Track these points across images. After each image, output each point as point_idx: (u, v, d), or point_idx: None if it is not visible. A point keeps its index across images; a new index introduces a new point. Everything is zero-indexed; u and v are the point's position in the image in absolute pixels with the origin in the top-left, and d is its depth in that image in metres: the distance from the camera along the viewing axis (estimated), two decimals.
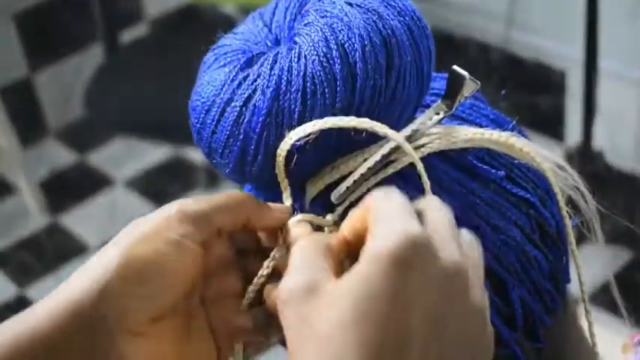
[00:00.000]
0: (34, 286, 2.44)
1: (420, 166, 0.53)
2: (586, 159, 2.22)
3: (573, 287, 0.62)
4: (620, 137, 2.34)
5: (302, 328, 0.44)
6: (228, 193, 0.54)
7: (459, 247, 0.46)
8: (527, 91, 2.50)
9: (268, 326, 0.54)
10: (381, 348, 0.43)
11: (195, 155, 2.63)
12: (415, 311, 0.43)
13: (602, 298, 2.01)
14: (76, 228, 2.60)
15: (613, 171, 2.32)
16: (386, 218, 0.46)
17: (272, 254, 0.54)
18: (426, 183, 0.53)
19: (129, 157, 2.76)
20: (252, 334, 0.55)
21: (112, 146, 2.80)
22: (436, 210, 0.48)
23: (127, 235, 0.52)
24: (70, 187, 2.74)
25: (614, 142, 2.33)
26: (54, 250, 2.54)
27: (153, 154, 2.74)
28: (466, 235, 0.48)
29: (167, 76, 2.19)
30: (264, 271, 0.54)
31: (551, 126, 2.49)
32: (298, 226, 0.53)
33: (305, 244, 0.48)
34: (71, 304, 0.50)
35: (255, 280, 0.54)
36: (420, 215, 0.47)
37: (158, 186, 2.66)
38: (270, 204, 0.55)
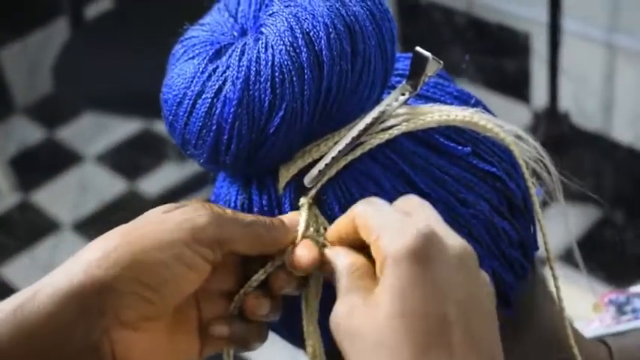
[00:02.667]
0: (8, 265, 2.44)
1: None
2: (552, 120, 2.24)
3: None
4: (585, 98, 2.37)
5: (354, 345, 0.49)
6: (256, 221, 0.55)
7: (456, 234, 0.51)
8: (493, 55, 2.52)
9: (245, 336, 0.57)
10: (427, 339, 0.47)
11: (165, 128, 2.62)
12: (446, 299, 0.48)
13: (572, 257, 2.04)
14: (47, 205, 2.59)
15: (579, 131, 2.35)
16: (388, 225, 0.49)
17: (265, 267, 0.56)
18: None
19: (98, 132, 2.75)
20: (228, 343, 0.57)
21: (81, 122, 2.79)
22: (422, 206, 0.51)
23: (143, 237, 0.52)
24: (39, 164, 2.73)
25: (579, 103, 2.36)
26: (26, 228, 2.54)
27: (122, 128, 2.73)
28: None
29: (134, 49, 2.18)
30: (253, 282, 0.56)
31: (517, 88, 2.51)
32: (305, 246, 0.55)
33: (339, 272, 0.52)
34: (72, 292, 0.50)
35: (244, 288, 0.56)
36: (409, 214, 0.51)
37: (129, 160, 2.66)
38: (284, 219, 0.56)
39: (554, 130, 2.23)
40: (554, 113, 2.24)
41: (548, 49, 2.15)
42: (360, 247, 0.52)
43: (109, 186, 2.56)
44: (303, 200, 0.56)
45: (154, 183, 2.55)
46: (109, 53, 2.25)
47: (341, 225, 0.53)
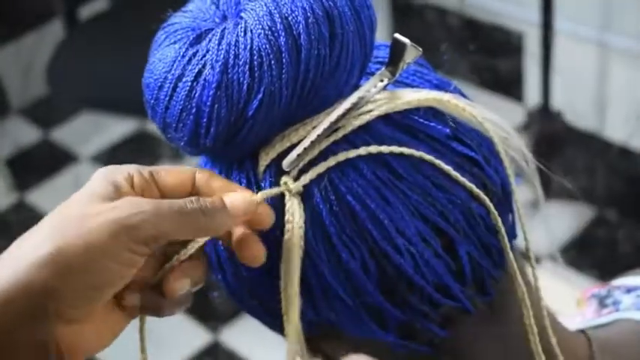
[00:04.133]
0: None
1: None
2: (545, 119, 2.25)
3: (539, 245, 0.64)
4: (578, 97, 2.38)
5: None
6: (202, 208, 0.55)
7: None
8: (486, 54, 2.52)
9: (157, 307, 0.57)
10: None
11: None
12: None
13: (563, 255, 2.05)
14: (42, 205, 2.60)
15: (572, 130, 2.36)
16: None
17: (187, 247, 0.57)
18: None
19: (93, 132, 2.76)
20: (140, 311, 0.57)
21: (76, 122, 2.80)
22: None
23: (78, 239, 0.52)
24: (35, 165, 2.74)
25: (572, 102, 2.36)
26: (22, 228, 2.52)
27: (117, 128, 2.74)
28: None
29: (128, 49, 2.18)
30: (174, 262, 0.57)
31: (510, 88, 2.52)
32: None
33: None
34: (19, 291, 0.50)
35: (163, 269, 0.57)
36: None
37: (124, 160, 2.63)
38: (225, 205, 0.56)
39: (548, 129, 2.24)
40: (547, 112, 2.25)
41: (541, 49, 2.16)
42: None
43: None
44: (284, 179, 0.57)
45: None
46: (103, 53, 2.26)
47: None
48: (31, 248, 0.52)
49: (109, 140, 2.74)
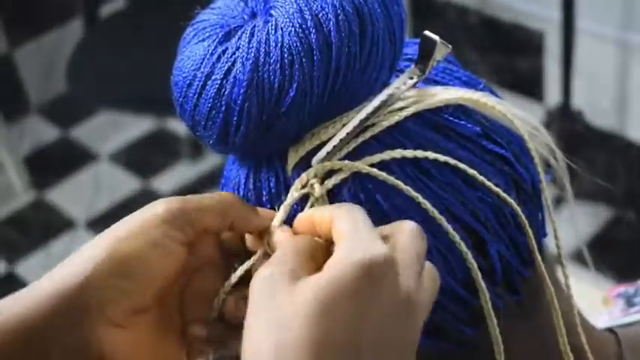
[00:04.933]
0: (22, 263, 2.45)
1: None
2: (566, 119, 2.24)
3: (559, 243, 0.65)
4: (599, 96, 2.37)
5: (266, 302, 0.47)
6: (216, 194, 0.56)
7: (417, 277, 0.49)
8: (507, 53, 2.52)
9: (223, 340, 0.57)
10: (330, 347, 0.45)
11: (179, 127, 2.64)
12: (368, 323, 0.46)
13: (582, 256, 2.04)
14: (61, 203, 2.61)
15: (593, 130, 2.34)
16: (353, 234, 0.49)
17: (249, 261, 0.56)
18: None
19: (112, 130, 2.77)
20: (206, 345, 0.57)
21: (95, 120, 2.81)
22: (407, 235, 0.50)
23: (114, 231, 0.54)
24: (54, 163, 2.75)
25: (593, 102, 2.35)
26: (40, 226, 2.55)
27: (136, 127, 2.74)
28: (429, 267, 0.51)
29: (148, 48, 2.19)
30: (232, 280, 0.56)
31: (530, 87, 2.51)
32: (280, 230, 0.55)
33: (286, 243, 0.51)
34: (56, 292, 0.52)
35: (223, 288, 0.56)
36: (387, 238, 0.50)
37: (142, 159, 2.68)
38: (258, 208, 0.56)
39: (568, 128, 2.23)
40: (568, 111, 2.24)
41: (561, 48, 2.15)
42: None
43: (123, 184, 2.58)
44: (304, 176, 0.56)
45: (167, 181, 2.56)
46: (122, 52, 2.27)
47: (316, 218, 0.53)
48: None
49: (127, 139, 2.75)
